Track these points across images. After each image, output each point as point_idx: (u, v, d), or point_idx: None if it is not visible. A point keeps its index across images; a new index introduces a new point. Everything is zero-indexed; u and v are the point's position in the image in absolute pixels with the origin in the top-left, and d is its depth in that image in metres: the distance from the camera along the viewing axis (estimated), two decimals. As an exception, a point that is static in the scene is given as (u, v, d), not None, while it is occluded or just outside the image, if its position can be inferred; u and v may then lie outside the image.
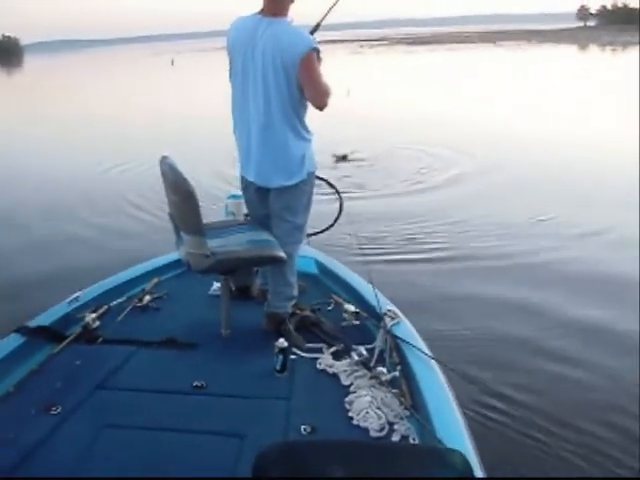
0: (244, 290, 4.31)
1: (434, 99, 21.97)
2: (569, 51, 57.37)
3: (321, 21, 4.13)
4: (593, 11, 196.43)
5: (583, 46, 63.47)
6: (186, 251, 3.74)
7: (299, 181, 3.78)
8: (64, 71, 71.21)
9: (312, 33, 3.89)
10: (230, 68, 3.81)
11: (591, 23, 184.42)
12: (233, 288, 4.14)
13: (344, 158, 12.17)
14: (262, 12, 3.65)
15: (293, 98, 3.63)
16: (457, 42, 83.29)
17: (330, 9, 4.18)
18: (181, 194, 3.52)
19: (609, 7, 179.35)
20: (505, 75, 31.32)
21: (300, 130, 3.74)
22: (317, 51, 3.59)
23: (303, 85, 3.60)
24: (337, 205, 4.88)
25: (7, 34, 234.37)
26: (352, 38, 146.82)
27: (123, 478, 2.60)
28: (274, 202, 3.88)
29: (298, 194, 3.84)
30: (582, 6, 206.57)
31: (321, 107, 3.68)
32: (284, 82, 3.58)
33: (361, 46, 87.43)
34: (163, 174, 3.65)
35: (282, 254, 3.77)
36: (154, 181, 7.05)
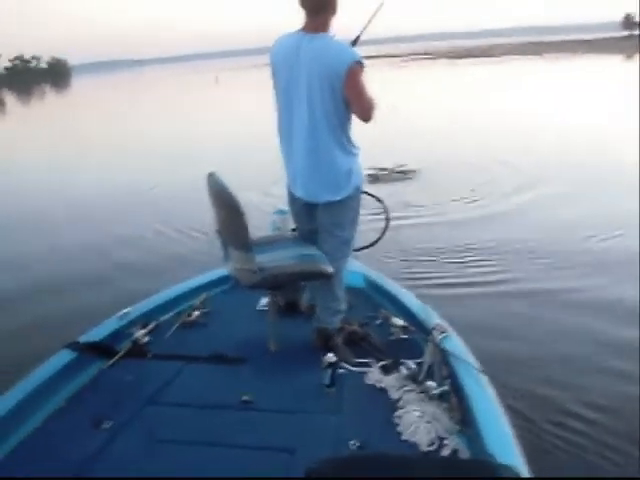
0: (292, 305, 4.32)
1: (482, 112, 21.67)
2: (616, 61, 56.58)
3: (361, 34, 4.14)
4: (638, 19, 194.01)
5: (629, 55, 62.51)
6: (234, 266, 3.77)
7: (346, 196, 3.78)
8: (112, 92, 72.21)
9: (353, 45, 3.91)
10: (274, 85, 3.83)
11: (636, 32, 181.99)
12: (281, 303, 4.16)
13: (392, 172, 12.07)
14: (304, 29, 3.67)
15: (339, 112, 3.64)
16: (502, 54, 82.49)
17: (369, 21, 4.19)
18: (229, 210, 3.54)
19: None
20: (554, 87, 30.75)
21: (346, 145, 3.75)
22: (361, 64, 3.60)
23: (349, 98, 3.61)
24: (383, 220, 4.87)
25: (56, 56, 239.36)
26: (395, 52, 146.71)
27: None
28: (322, 217, 3.89)
29: (346, 209, 3.84)
30: (627, 15, 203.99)
31: (367, 120, 3.69)
32: (329, 96, 3.59)
33: (404, 60, 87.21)
34: (210, 190, 3.68)
35: (330, 269, 3.77)
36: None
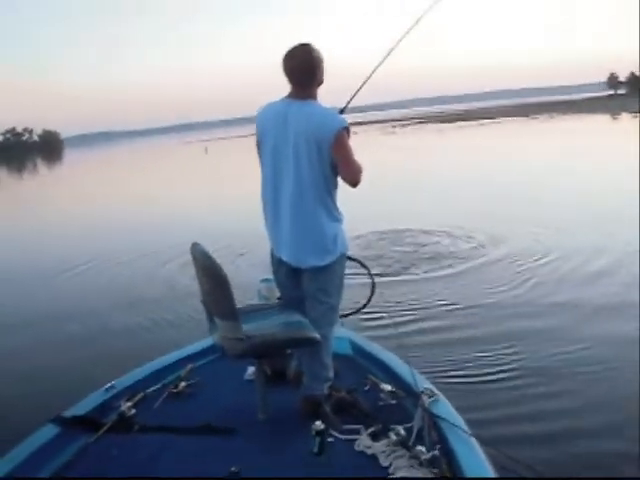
0: (279, 374, 4.28)
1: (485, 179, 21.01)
2: (603, 120, 57.37)
3: (349, 102, 4.23)
4: (622, 79, 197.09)
5: (615, 115, 63.43)
6: (221, 336, 3.75)
7: (332, 262, 3.80)
8: (103, 164, 72.68)
9: (341, 113, 3.98)
10: (260, 152, 3.89)
11: (621, 91, 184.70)
12: (268, 372, 4.13)
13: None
14: (290, 96, 3.75)
15: (326, 177, 3.70)
16: (489, 117, 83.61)
17: (357, 91, 4.30)
18: (214, 280, 3.55)
19: (638, 74, 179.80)
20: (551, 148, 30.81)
21: (332, 210, 3.79)
22: (348, 130, 3.67)
23: (337, 163, 3.67)
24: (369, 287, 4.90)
25: (48, 129, 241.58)
26: (382, 119, 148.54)
27: None
28: (308, 284, 3.89)
29: (331, 274, 3.85)
30: (611, 74, 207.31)
31: (354, 184, 3.75)
32: (317, 161, 3.64)
33: (393, 126, 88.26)
34: (195, 260, 3.70)
35: (317, 335, 3.76)
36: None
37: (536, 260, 9.65)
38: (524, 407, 5.12)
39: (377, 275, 7.38)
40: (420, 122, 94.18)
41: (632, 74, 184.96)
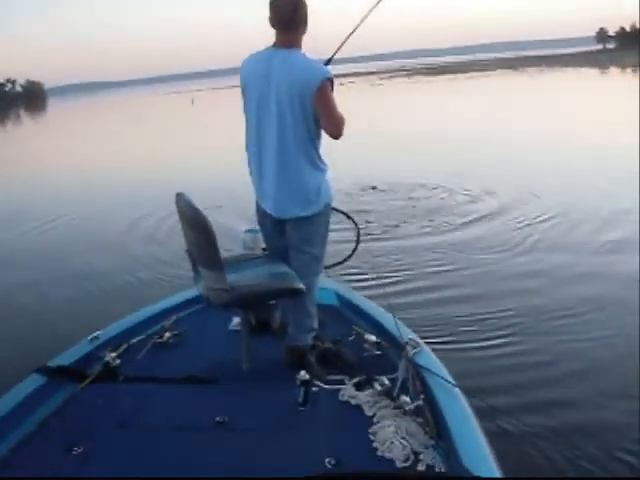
0: (264, 324, 4.29)
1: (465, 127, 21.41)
2: (591, 73, 57.22)
3: (335, 54, 4.18)
4: (612, 33, 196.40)
5: (604, 68, 63.29)
6: (205, 286, 3.74)
7: (316, 212, 3.78)
8: (86, 115, 72.11)
9: (326, 65, 3.93)
10: (244, 102, 3.84)
11: (610, 45, 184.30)
12: (253, 322, 4.13)
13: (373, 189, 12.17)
14: (275, 45, 3.69)
15: (309, 128, 3.66)
16: (477, 70, 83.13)
17: (344, 42, 4.24)
18: (199, 229, 3.52)
19: (628, 29, 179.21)
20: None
21: (316, 161, 3.76)
22: (331, 81, 3.63)
23: (319, 114, 3.63)
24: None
25: (31, 79, 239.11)
26: (371, 70, 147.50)
27: None
28: (291, 234, 3.88)
29: (315, 225, 3.84)
30: (601, 29, 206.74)
31: (336, 136, 3.72)
32: (300, 112, 3.60)
33: (381, 78, 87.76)
34: (180, 211, 3.67)
35: (301, 286, 3.75)
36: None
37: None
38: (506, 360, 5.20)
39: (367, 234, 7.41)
40: (408, 74, 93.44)
41: (622, 29, 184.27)
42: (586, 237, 8.32)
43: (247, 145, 3.89)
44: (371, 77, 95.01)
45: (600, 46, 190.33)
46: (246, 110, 3.84)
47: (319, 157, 3.80)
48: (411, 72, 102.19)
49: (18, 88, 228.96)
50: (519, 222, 9.29)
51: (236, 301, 3.67)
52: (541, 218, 9.36)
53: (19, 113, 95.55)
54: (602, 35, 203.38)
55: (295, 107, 3.60)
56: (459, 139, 18.28)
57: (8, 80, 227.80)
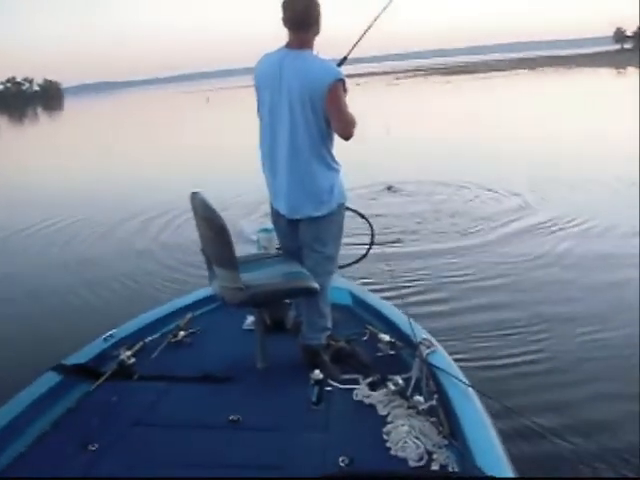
0: (278, 323, 4.30)
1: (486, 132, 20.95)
2: (609, 73, 56.87)
3: (349, 54, 4.19)
4: (629, 33, 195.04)
5: (621, 69, 62.92)
6: (220, 285, 3.75)
7: (329, 212, 3.79)
8: (103, 113, 72.50)
9: (340, 65, 3.94)
10: (258, 103, 3.86)
11: (628, 45, 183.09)
12: (267, 321, 4.14)
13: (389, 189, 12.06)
14: (288, 45, 3.71)
15: (320, 129, 3.66)
16: (494, 70, 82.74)
17: (357, 42, 4.24)
18: (214, 229, 3.53)
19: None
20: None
21: (328, 161, 3.77)
22: (343, 82, 3.62)
23: (329, 115, 3.63)
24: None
25: (49, 78, 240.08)
26: (387, 70, 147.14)
27: None
28: (304, 233, 3.89)
29: (327, 225, 3.85)
30: (618, 29, 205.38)
31: (347, 137, 3.71)
32: (311, 113, 3.61)
33: (397, 78, 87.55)
34: (195, 210, 3.68)
35: (315, 285, 3.76)
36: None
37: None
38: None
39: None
40: (425, 74, 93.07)
41: (639, 29, 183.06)
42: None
43: (260, 144, 3.91)
44: (386, 77, 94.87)
45: (618, 46, 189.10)
46: (259, 110, 3.86)
47: (332, 157, 3.80)
48: (428, 72, 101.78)
49: (35, 87, 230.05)
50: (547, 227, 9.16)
51: (250, 300, 3.68)
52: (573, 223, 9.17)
53: (36, 111, 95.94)
54: (619, 35, 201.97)
55: (306, 108, 3.61)
56: (487, 139, 18.22)
57: (26, 79, 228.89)
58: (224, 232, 3.49)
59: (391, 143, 18.34)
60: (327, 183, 3.76)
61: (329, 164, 3.77)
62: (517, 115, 24.86)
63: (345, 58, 4.15)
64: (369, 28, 4.26)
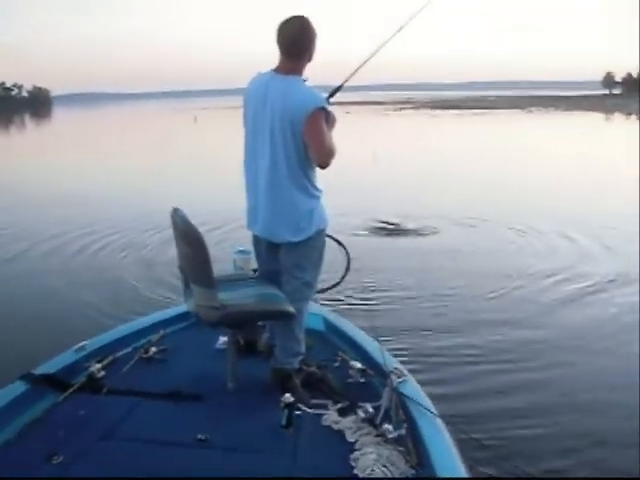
0: (251, 345, 4.29)
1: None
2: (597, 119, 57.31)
3: (344, 82, 4.19)
4: (618, 79, 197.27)
5: (609, 114, 63.54)
6: (196, 303, 3.75)
7: (307, 237, 3.80)
8: (90, 125, 72.18)
9: (333, 94, 3.95)
10: (243, 123, 3.89)
11: (616, 91, 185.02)
12: (240, 342, 4.13)
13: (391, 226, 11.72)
14: (276, 69, 3.75)
15: (299, 155, 3.68)
16: (484, 107, 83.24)
17: (355, 71, 4.23)
18: (193, 246, 3.54)
19: (634, 76, 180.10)
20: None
21: (308, 187, 3.78)
22: (325, 111, 3.65)
23: (307, 143, 3.65)
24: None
25: (38, 85, 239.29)
26: (377, 100, 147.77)
27: None
28: (284, 258, 3.90)
29: (307, 251, 3.86)
30: (608, 74, 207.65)
31: (323, 167, 3.73)
32: (291, 139, 3.63)
33: (387, 109, 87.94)
34: (174, 226, 3.69)
35: (291, 309, 3.77)
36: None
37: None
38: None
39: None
40: (414, 107, 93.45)
41: (629, 75, 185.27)
42: None
43: (244, 164, 3.93)
44: (378, 107, 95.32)
45: (606, 91, 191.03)
46: (245, 131, 3.89)
47: (311, 183, 3.81)
48: (417, 105, 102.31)
49: (24, 93, 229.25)
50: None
51: (225, 319, 3.69)
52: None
53: (23, 118, 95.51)
54: (609, 80, 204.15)
55: (286, 133, 3.63)
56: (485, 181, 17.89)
57: (15, 85, 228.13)
58: (202, 249, 3.50)
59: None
60: (305, 209, 3.77)
61: (308, 190, 3.78)
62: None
63: (340, 87, 4.15)
64: (370, 58, 4.24)
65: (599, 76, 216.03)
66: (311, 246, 3.85)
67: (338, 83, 4.18)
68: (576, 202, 14.60)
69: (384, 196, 14.70)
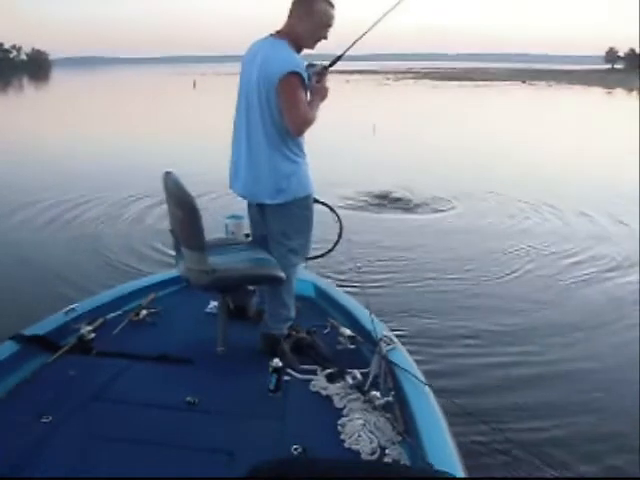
0: (241, 310, 4.29)
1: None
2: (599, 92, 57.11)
3: (344, 53, 4.14)
4: (621, 54, 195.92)
5: (610, 89, 63.30)
6: (186, 267, 3.74)
7: (286, 202, 3.77)
8: (88, 88, 71.62)
9: (332, 64, 3.89)
10: (238, 87, 3.90)
11: (619, 66, 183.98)
12: (230, 307, 4.13)
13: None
14: (275, 32, 3.75)
15: (274, 119, 3.66)
16: (485, 79, 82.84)
17: (355, 42, 4.18)
18: (185, 209, 3.53)
19: (638, 51, 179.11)
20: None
21: (285, 151, 3.73)
22: (300, 76, 3.60)
23: (281, 107, 3.63)
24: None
25: (37, 48, 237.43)
26: (378, 69, 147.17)
27: None
28: (270, 224, 3.90)
29: (290, 217, 3.84)
30: (611, 49, 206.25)
31: (295, 132, 3.69)
32: (265, 102, 3.63)
33: (387, 78, 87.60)
34: (167, 189, 3.68)
35: (281, 274, 3.77)
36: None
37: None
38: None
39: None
40: (414, 77, 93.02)
41: (631, 50, 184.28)
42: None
43: (233, 128, 3.93)
44: (378, 76, 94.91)
45: (609, 65, 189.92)
46: (238, 93, 3.89)
47: (289, 148, 3.75)
48: (418, 75, 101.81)
49: (23, 56, 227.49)
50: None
51: (216, 283, 3.69)
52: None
53: (22, 81, 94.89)
54: (611, 55, 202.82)
55: (262, 97, 3.63)
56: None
57: (14, 47, 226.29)
58: (194, 212, 3.49)
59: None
60: (283, 172, 3.73)
61: (286, 154, 3.74)
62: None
63: (340, 57, 4.07)
64: (372, 28, 4.18)
65: (601, 51, 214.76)
66: (294, 213, 3.83)
67: (339, 52, 4.13)
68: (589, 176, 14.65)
69: (385, 168, 14.53)
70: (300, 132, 3.69)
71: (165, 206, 3.89)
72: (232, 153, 3.92)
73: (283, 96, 3.58)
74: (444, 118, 28.89)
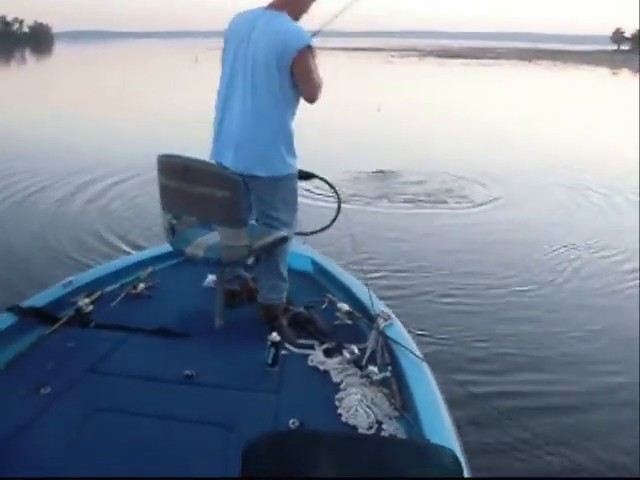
0: (232, 295, 4.18)
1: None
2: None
3: (324, 27, 4.17)
4: (628, 35, 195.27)
5: (616, 69, 63.11)
6: (223, 244, 3.69)
7: (279, 175, 3.76)
8: (90, 62, 71.42)
9: (313, 36, 3.89)
10: (222, 56, 3.83)
11: (625, 47, 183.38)
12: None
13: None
14: (269, 6, 3.71)
15: (284, 93, 3.66)
16: (491, 58, 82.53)
17: (336, 16, 4.21)
18: (233, 188, 3.50)
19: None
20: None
21: (285, 125, 3.74)
22: (312, 49, 3.63)
23: (298, 79, 3.64)
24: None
25: (39, 21, 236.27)
26: (383, 46, 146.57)
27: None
28: (258, 200, 3.87)
29: (280, 191, 3.83)
30: (617, 29, 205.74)
31: (313, 100, 3.74)
32: (277, 76, 3.60)
33: (392, 56, 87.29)
34: (201, 172, 3.64)
35: (285, 233, 3.82)
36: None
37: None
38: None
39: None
40: (419, 55, 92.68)
41: (638, 31, 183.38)
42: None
43: (217, 97, 3.86)
44: (382, 54, 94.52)
45: (615, 46, 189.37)
46: (222, 65, 3.83)
47: (288, 122, 3.77)
48: (422, 53, 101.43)
49: (25, 29, 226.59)
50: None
51: (248, 256, 3.82)
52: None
53: (24, 54, 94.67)
54: (618, 35, 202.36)
55: (272, 70, 3.59)
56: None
57: (16, 19, 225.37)
58: (241, 190, 3.51)
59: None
60: (282, 146, 3.74)
61: (286, 128, 3.75)
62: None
63: (316, 33, 4.09)
64: (348, 6, 4.23)
65: (608, 31, 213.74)
66: (284, 186, 3.83)
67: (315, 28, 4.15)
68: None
69: (387, 148, 14.44)
70: (316, 98, 3.75)
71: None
72: (219, 124, 3.84)
73: (302, 67, 3.60)
74: (452, 98, 28.84)
